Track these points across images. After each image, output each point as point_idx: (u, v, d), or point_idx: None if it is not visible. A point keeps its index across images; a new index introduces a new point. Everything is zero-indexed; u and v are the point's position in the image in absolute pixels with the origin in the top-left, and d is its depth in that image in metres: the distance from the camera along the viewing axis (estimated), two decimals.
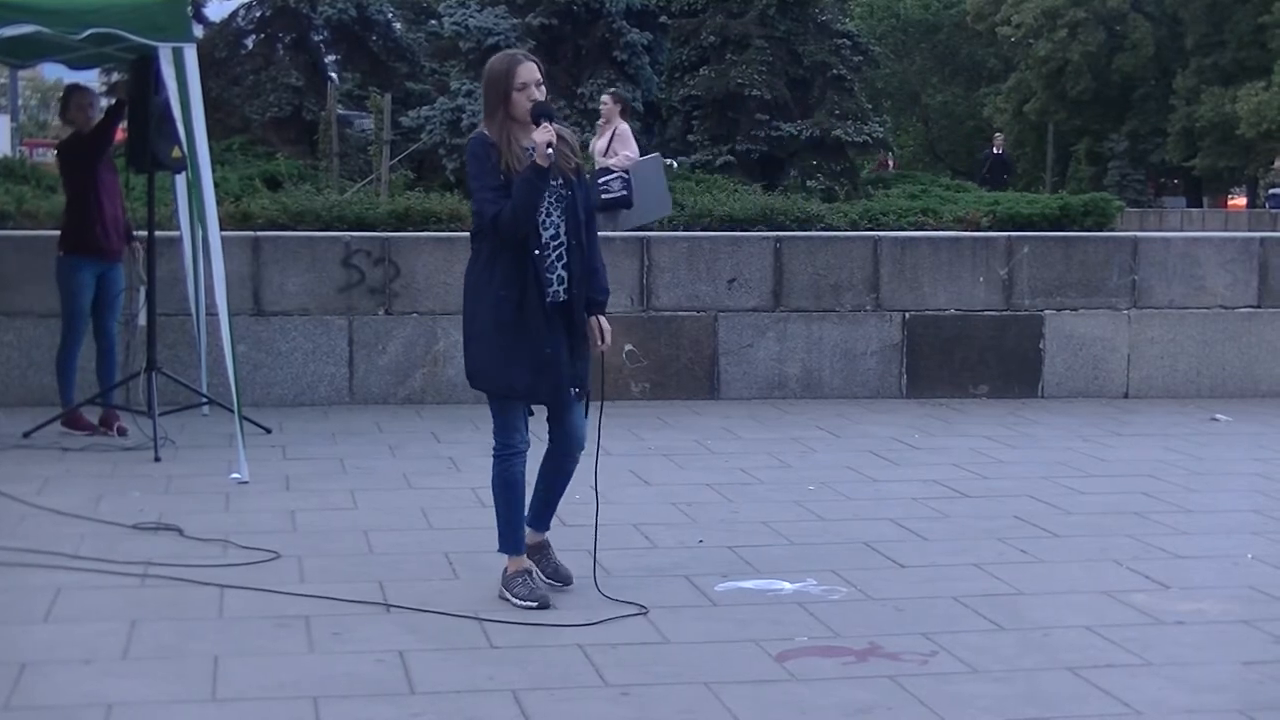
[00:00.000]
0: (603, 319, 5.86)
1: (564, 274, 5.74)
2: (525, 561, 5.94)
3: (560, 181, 5.72)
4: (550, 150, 5.58)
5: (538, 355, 5.70)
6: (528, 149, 5.63)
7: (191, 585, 6.04)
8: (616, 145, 13.30)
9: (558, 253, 5.72)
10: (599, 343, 5.87)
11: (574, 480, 8.15)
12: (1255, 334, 11.71)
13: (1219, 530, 7.32)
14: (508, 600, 5.82)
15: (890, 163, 36.65)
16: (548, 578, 5.99)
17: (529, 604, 5.75)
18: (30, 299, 10.08)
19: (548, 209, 5.69)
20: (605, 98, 14.10)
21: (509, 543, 5.92)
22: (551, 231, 5.71)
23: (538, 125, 5.60)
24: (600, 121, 13.95)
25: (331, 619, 5.62)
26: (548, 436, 5.99)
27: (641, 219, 12.80)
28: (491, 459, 5.90)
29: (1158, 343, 11.60)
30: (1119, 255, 11.63)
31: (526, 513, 6.02)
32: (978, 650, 5.36)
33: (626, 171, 12.99)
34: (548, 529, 6.12)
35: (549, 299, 5.70)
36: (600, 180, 12.70)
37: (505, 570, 5.92)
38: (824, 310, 11.20)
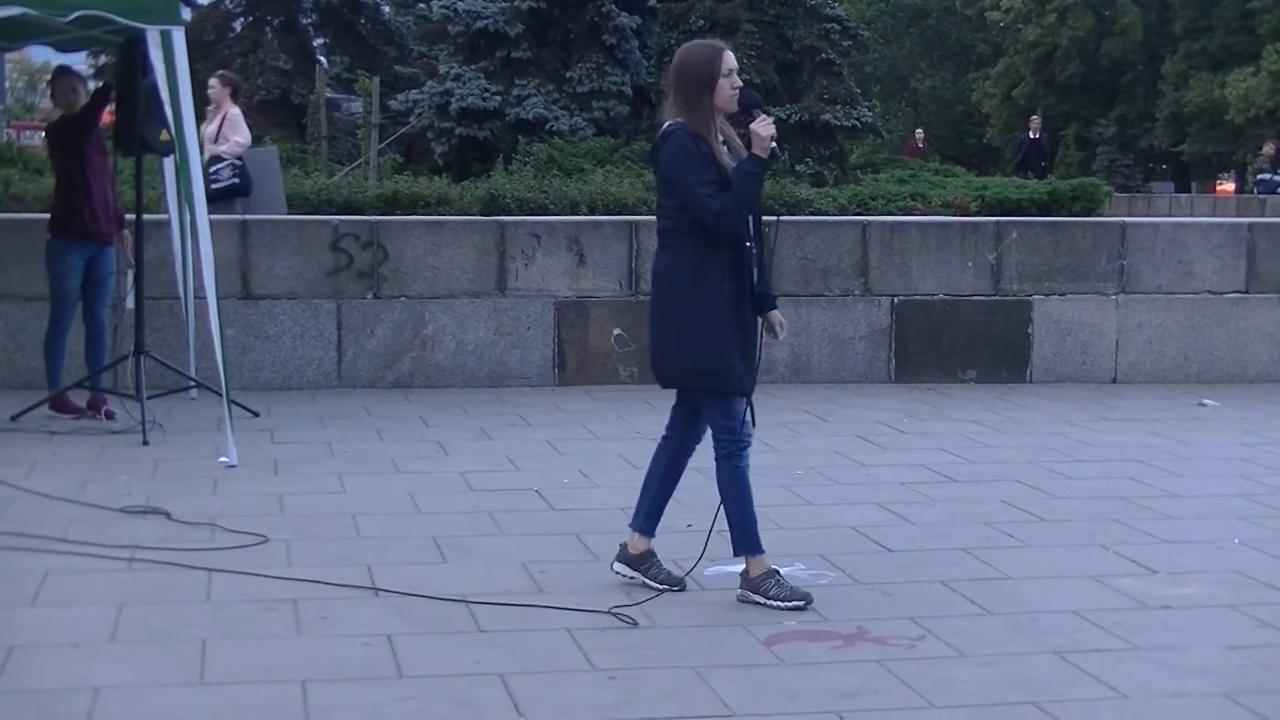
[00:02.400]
0: (779, 314, 5.86)
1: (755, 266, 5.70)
2: (767, 560, 5.74)
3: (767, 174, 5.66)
4: (773, 141, 5.49)
5: (752, 347, 5.68)
6: (721, 141, 5.58)
7: (179, 569, 6.03)
8: (227, 130, 12.44)
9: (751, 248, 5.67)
10: (777, 334, 5.86)
11: (563, 464, 8.20)
12: (1243, 319, 11.72)
13: (1206, 515, 7.34)
14: (762, 604, 5.62)
15: (920, 144, 35.24)
16: (661, 583, 5.82)
17: (795, 603, 5.59)
18: (17, 282, 10.05)
19: None
20: (214, 81, 13.02)
21: (749, 543, 5.72)
22: (751, 224, 5.64)
23: (748, 113, 5.54)
24: (209, 106, 12.86)
25: (319, 602, 5.62)
26: (670, 430, 5.94)
27: (258, 211, 11.88)
28: (716, 460, 5.73)
29: (1145, 328, 11.61)
30: (1107, 240, 11.63)
31: (635, 517, 5.92)
32: (965, 634, 5.37)
33: (240, 159, 12.30)
34: (654, 535, 5.94)
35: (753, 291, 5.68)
36: (210, 169, 12.00)
37: (746, 573, 5.73)
38: (812, 295, 11.19)
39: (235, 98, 12.89)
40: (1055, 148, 49.80)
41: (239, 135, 12.41)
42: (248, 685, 4.76)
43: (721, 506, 5.78)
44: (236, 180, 12.20)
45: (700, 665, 4.99)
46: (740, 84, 5.59)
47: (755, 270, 5.66)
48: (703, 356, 5.60)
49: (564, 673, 4.93)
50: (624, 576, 5.90)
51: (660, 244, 5.74)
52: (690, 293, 5.59)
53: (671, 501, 7.28)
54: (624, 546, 5.96)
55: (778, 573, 5.74)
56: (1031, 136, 30.91)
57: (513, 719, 4.54)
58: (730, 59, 5.58)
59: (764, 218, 5.75)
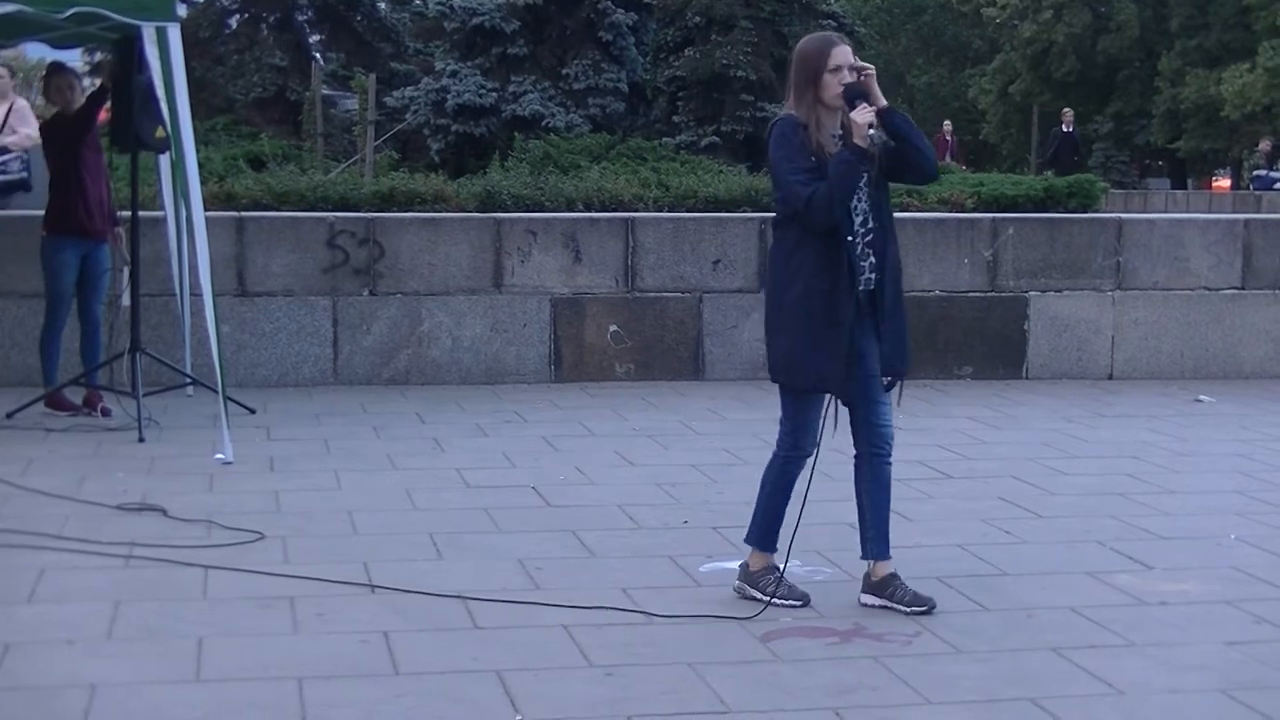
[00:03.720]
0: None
1: (873, 260, 5.52)
2: (771, 558, 5.71)
3: (868, 166, 5.49)
4: (872, 132, 5.37)
5: (850, 348, 5.49)
6: (835, 135, 5.47)
7: (176, 566, 6.03)
8: (14, 122, 11.77)
9: (868, 239, 5.51)
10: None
11: (559, 461, 8.20)
12: (1239, 315, 11.73)
13: (1202, 511, 7.34)
14: (758, 599, 5.59)
15: (948, 137, 34.18)
16: (908, 604, 5.55)
17: (793, 602, 5.57)
18: (13, 279, 10.04)
19: (858, 194, 5.46)
20: (1, 70, 12.31)
21: (763, 538, 5.69)
22: (861, 218, 5.49)
23: (852, 107, 5.40)
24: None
25: (316, 600, 5.61)
26: (853, 444, 5.74)
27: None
28: (773, 455, 5.71)
29: (1142, 324, 11.62)
30: (1103, 237, 11.64)
31: (864, 546, 5.70)
32: (961, 631, 5.37)
33: (27, 152, 11.67)
34: (890, 555, 5.67)
35: (861, 287, 5.50)
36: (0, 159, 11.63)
37: (746, 566, 5.72)
38: None
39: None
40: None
41: (28, 128, 11.82)
42: (244, 682, 4.75)
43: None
44: (25, 175, 11.76)
45: (697, 662, 4.99)
46: (849, 80, 5.43)
47: (868, 266, 5.49)
48: (780, 350, 5.54)
49: (561, 669, 4.92)
50: (875, 606, 5.63)
51: (773, 236, 5.70)
52: (783, 285, 5.52)
53: (667, 498, 7.31)
54: (866, 577, 5.72)
55: (778, 569, 5.73)
56: (1064, 130, 30.63)
57: (509, 716, 4.53)
58: (840, 55, 5.44)
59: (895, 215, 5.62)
